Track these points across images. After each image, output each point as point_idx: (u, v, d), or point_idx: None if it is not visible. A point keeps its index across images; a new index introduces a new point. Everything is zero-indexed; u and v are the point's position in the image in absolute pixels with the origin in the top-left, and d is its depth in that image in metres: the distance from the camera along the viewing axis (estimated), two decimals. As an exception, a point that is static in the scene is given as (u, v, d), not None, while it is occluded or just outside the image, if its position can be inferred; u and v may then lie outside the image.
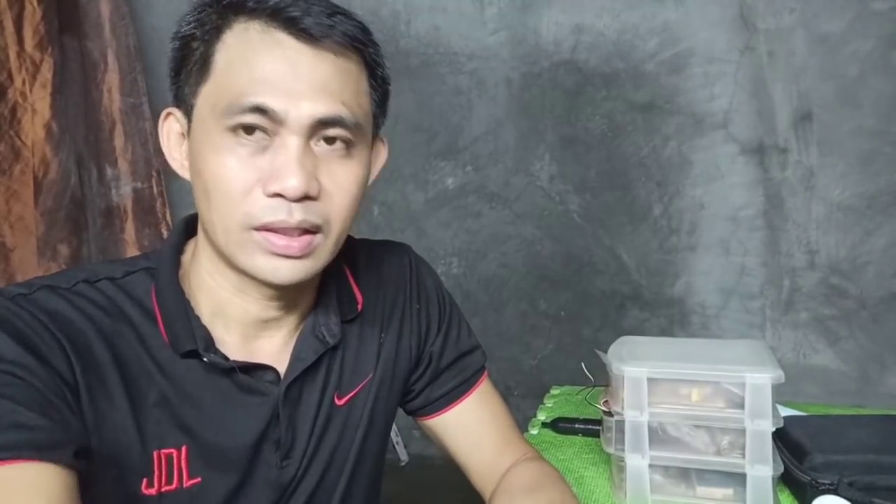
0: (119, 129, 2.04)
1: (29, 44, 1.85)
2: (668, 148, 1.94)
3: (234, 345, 0.67)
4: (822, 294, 1.85)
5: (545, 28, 2.00)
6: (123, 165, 2.06)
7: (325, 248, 0.63)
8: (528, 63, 2.04)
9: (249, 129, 0.59)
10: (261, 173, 0.59)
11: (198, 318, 0.65)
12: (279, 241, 0.60)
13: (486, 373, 0.85)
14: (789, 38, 1.79)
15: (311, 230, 0.61)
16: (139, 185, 2.08)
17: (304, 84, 0.59)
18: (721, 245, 1.92)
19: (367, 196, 0.70)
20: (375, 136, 0.69)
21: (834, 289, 1.84)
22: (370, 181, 0.70)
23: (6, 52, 1.82)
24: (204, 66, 0.61)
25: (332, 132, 0.61)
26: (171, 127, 0.66)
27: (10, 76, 1.83)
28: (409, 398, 0.83)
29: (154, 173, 2.08)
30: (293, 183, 0.58)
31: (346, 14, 0.61)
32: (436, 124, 2.14)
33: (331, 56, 0.60)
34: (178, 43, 0.63)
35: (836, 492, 0.81)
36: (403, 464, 0.95)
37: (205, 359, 0.63)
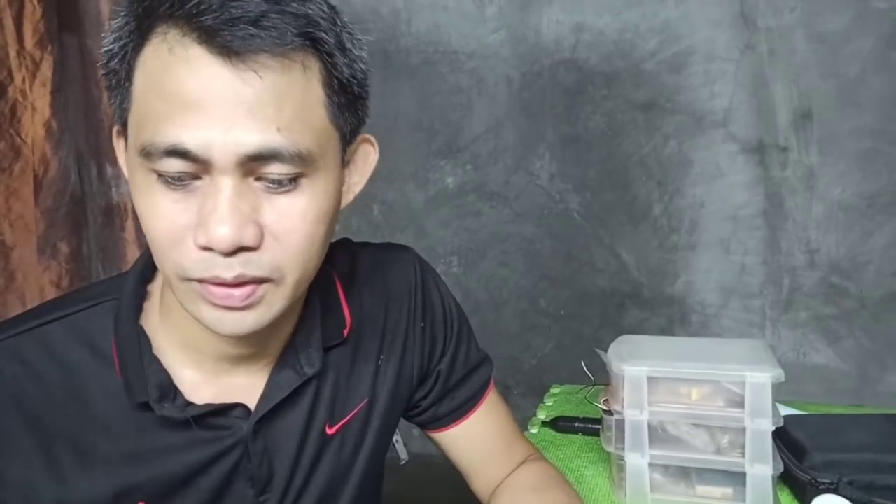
0: (119, 127, 2.04)
1: (29, 42, 1.85)
2: (669, 147, 1.93)
3: (204, 382, 0.61)
4: (822, 293, 1.85)
5: (546, 27, 2.00)
6: (123, 164, 2.06)
7: (278, 297, 0.54)
8: (528, 62, 2.03)
9: (175, 176, 0.49)
10: (191, 218, 0.50)
11: (156, 361, 0.58)
12: (218, 292, 0.51)
13: (492, 383, 0.83)
14: (790, 37, 1.78)
15: (253, 283, 0.51)
16: (139, 183, 2.08)
17: (226, 111, 0.47)
18: (721, 244, 1.92)
19: (366, 194, 0.65)
20: (353, 141, 0.59)
21: (834, 288, 1.84)
22: (360, 188, 0.62)
23: (6, 51, 1.82)
24: (125, 90, 0.51)
25: (270, 170, 0.49)
26: (121, 146, 0.58)
27: (9, 74, 1.83)
28: (415, 413, 0.80)
29: (154, 172, 2.08)
30: (221, 232, 0.48)
31: (280, 12, 0.48)
32: (436, 123, 2.14)
33: (256, 75, 0.47)
34: (102, 59, 0.53)
35: (835, 491, 0.81)
36: (403, 462, 0.95)
37: (157, 412, 0.57)
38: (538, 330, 2.15)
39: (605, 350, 0.92)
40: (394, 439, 0.81)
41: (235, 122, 0.47)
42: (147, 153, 0.48)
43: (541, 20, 2.00)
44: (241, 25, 0.46)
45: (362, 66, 0.55)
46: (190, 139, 0.47)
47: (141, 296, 0.62)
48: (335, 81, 0.52)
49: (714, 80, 1.86)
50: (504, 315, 2.17)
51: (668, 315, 2.01)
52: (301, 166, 0.50)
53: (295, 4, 0.49)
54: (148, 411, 0.58)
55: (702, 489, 0.87)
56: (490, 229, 2.15)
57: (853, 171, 1.78)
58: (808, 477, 0.84)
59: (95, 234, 2.05)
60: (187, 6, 0.47)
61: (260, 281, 0.52)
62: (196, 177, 0.49)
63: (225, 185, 0.49)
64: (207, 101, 0.47)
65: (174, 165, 0.48)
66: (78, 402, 0.57)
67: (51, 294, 1.88)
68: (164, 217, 0.50)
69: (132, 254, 2.08)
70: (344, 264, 0.72)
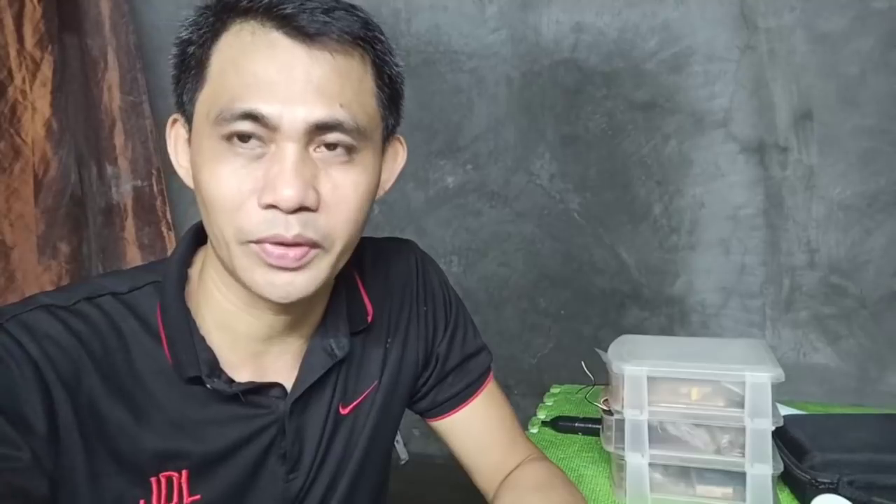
0: (119, 127, 2.04)
1: (29, 42, 1.85)
2: (669, 147, 1.94)
3: (241, 363, 0.65)
4: (822, 293, 1.85)
5: (545, 26, 2.00)
6: (123, 164, 2.06)
7: (325, 264, 0.59)
8: (528, 61, 2.03)
9: (244, 137, 0.55)
10: (255, 183, 0.55)
11: (203, 340, 0.62)
12: (274, 251, 0.56)
13: (491, 373, 0.84)
14: (790, 37, 1.78)
15: (308, 245, 0.57)
16: (139, 183, 2.08)
17: (298, 87, 0.54)
18: (721, 244, 1.92)
19: (377, 199, 0.67)
20: (390, 137, 0.66)
21: (834, 288, 1.84)
22: (389, 185, 0.68)
23: (6, 50, 1.82)
24: (200, 72, 0.58)
25: (331, 137, 0.56)
26: (178, 133, 0.64)
27: (10, 74, 1.83)
28: (416, 399, 0.82)
29: (154, 171, 2.08)
30: (288, 193, 0.54)
31: (347, 9, 0.57)
32: (436, 123, 2.14)
33: (327, 55, 0.56)
34: (176, 48, 0.60)
35: (835, 491, 0.81)
36: (403, 462, 0.95)
37: (208, 385, 0.61)
38: (538, 330, 2.15)
39: (605, 350, 0.92)
40: (394, 439, 0.81)
41: (306, 96, 0.55)
42: (222, 118, 0.55)
43: (541, 20, 2.00)
44: (317, 14, 0.55)
45: (402, 75, 0.64)
46: (265, 107, 0.54)
47: (183, 278, 0.65)
48: (385, 78, 0.61)
49: (714, 80, 1.86)
50: (504, 315, 2.17)
51: (669, 315, 2.01)
52: (357, 139, 0.58)
53: (355, 8, 0.59)
54: (196, 385, 0.61)
55: (702, 489, 0.87)
56: (490, 229, 2.15)
57: (853, 171, 1.78)
58: (809, 477, 0.84)
59: (95, 234, 2.05)
60: (272, 1, 0.55)
61: (313, 244, 0.57)
62: (262, 143, 0.56)
63: (290, 152, 0.55)
64: (283, 78, 0.54)
65: (246, 126, 0.54)
66: (131, 367, 0.60)
67: (51, 294, 1.87)
68: (230, 182, 0.56)
69: (132, 254, 2.08)
70: (356, 256, 0.74)
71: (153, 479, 0.60)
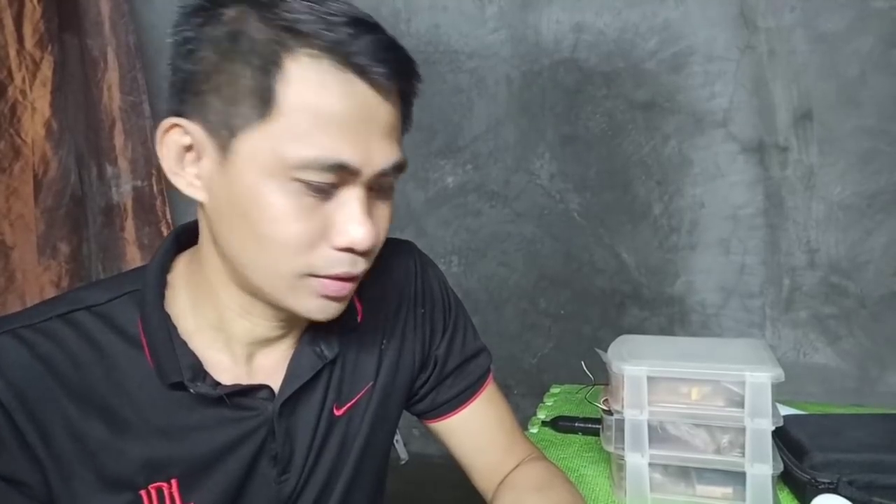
0: (119, 127, 2.04)
1: (29, 42, 1.85)
2: (669, 146, 1.94)
3: (230, 365, 0.65)
4: (822, 293, 1.85)
5: (545, 26, 2.00)
6: (123, 164, 2.06)
7: (356, 282, 0.63)
8: (528, 61, 2.03)
9: (324, 187, 0.56)
10: (324, 222, 0.57)
11: (184, 345, 0.62)
12: (333, 285, 0.59)
13: (491, 375, 0.84)
14: (790, 37, 1.79)
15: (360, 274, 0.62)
16: (139, 183, 2.08)
17: (376, 134, 0.57)
18: (721, 244, 1.92)
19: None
20: None
21: (834, 288, 1.84)
22: None
23: (6, 50, 1.82)
24: (263, 101, 0.54)
25: (390, 179, 0.60)
26: (174, 140, 0.59)
27: (9, 74, 1.83)
28: (414, 401, 0.82)
29: (154, 171, 2.08)
30: (362, 236, 0.57)
31: (405, 51, 0.60)
32: (436, 123, 2.14)
33: (395, 100, 0.59)
34: (214, 55, 0.55)
35: (835, 490, 0.81)
36: (403, 462, 0.95)
37: (191, 390, 0.61)
38: (538, 330, 2.15)
39: (605, 350, 0.92)
40: (394, 439, 0.81)
41: (382, 143, 0.58)
42: (305, 164, 0.54)
43: (541, 20, 2.00)
44: (390, 62, 0.57)
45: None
46: (352, 157, 0.55)
47: (162, 285, 0.65)
48: (409, 101, 0.64)
49: (714, 80, 1.86)
50: (504, 315, 2.17)
51: (668, 315, 2.01)
52: (400, 175, 0.61)
53: (402, 43, 0.60)
54: (179, 391, 0.61)
55: (702, 489, 0.87)
56: (490, 229, 2.15)
57: (853, 170, 1.78)
58: (808, 477, 0.84)
59: (95, 234, 2.06)
60: (343, 42, 0.55)
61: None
62: (335, 185, 0.57)
63: (359, 194, 0.58)
64: (365, 127, 0.56)
65: (331, 178, 0.56)
66: (110, 380, 0.60)
67: (51, 294, 1.88)
68: (300, 220, 0.56)
69: (132, 254, 2.08)
70: None
71: (143, 493, 0.60)
